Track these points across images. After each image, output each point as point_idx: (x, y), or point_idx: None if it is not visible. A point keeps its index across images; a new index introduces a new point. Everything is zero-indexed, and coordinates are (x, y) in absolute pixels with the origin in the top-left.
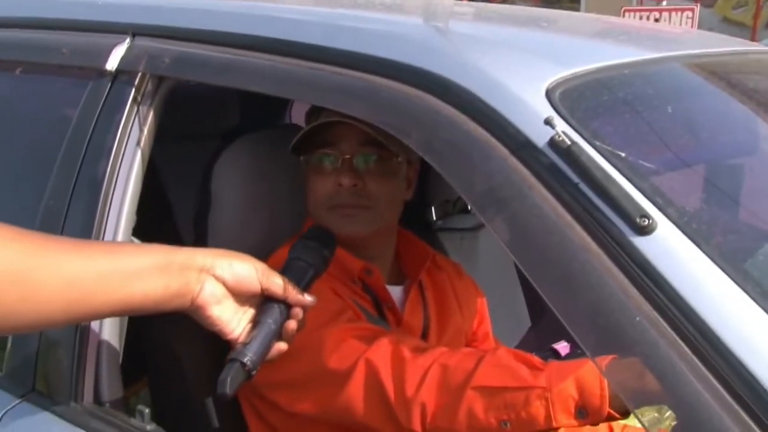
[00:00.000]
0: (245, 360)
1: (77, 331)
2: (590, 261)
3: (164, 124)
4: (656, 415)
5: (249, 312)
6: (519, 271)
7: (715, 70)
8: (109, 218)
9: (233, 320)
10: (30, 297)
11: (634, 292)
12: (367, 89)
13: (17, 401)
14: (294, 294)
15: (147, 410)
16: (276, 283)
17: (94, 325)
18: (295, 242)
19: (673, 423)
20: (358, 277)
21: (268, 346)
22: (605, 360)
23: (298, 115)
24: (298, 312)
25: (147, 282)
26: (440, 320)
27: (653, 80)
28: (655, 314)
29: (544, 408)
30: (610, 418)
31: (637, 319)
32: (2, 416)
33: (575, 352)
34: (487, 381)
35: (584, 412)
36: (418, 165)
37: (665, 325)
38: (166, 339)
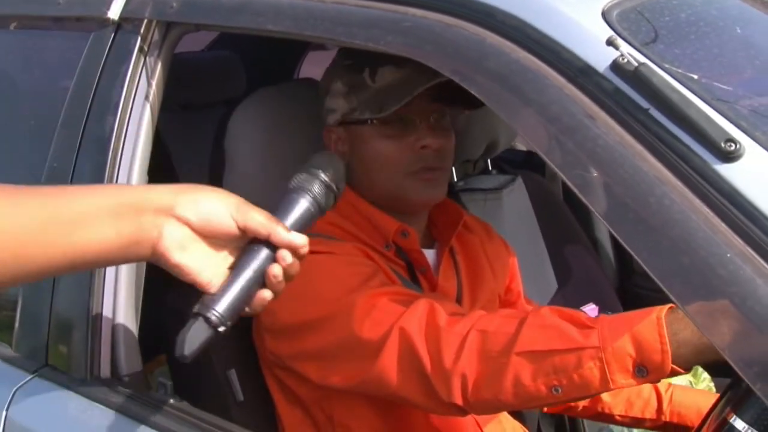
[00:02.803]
0: (208, 314)
1: (90, 302)
2: (668, 194)
3: (168, 95)
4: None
5: (229, 258)
6: (544, 232)
7: None
8: (119, 179)
9: (207, 268)
10: None
11: (722, 226)
12: (401, 21)
13: (29, 377)
14: (278, 232)
15: (170, 383)
16: (255, 219)
17: (108, 295)
18: (298, 170)
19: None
20: (392, 240)
21: (243, 297)
22: (692, 305)
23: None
24: (284, 255)
25: (94, 229)
26: (473, 284)
27: (715, 0)
28: (748, 250)
29: (598, 369)
30: (672, 374)
31: (728, 255)
32: (15, 393)
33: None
34: (532, 345)
35: (644, 370)
36: None
37: (761, 261)
38: (180, 310)
